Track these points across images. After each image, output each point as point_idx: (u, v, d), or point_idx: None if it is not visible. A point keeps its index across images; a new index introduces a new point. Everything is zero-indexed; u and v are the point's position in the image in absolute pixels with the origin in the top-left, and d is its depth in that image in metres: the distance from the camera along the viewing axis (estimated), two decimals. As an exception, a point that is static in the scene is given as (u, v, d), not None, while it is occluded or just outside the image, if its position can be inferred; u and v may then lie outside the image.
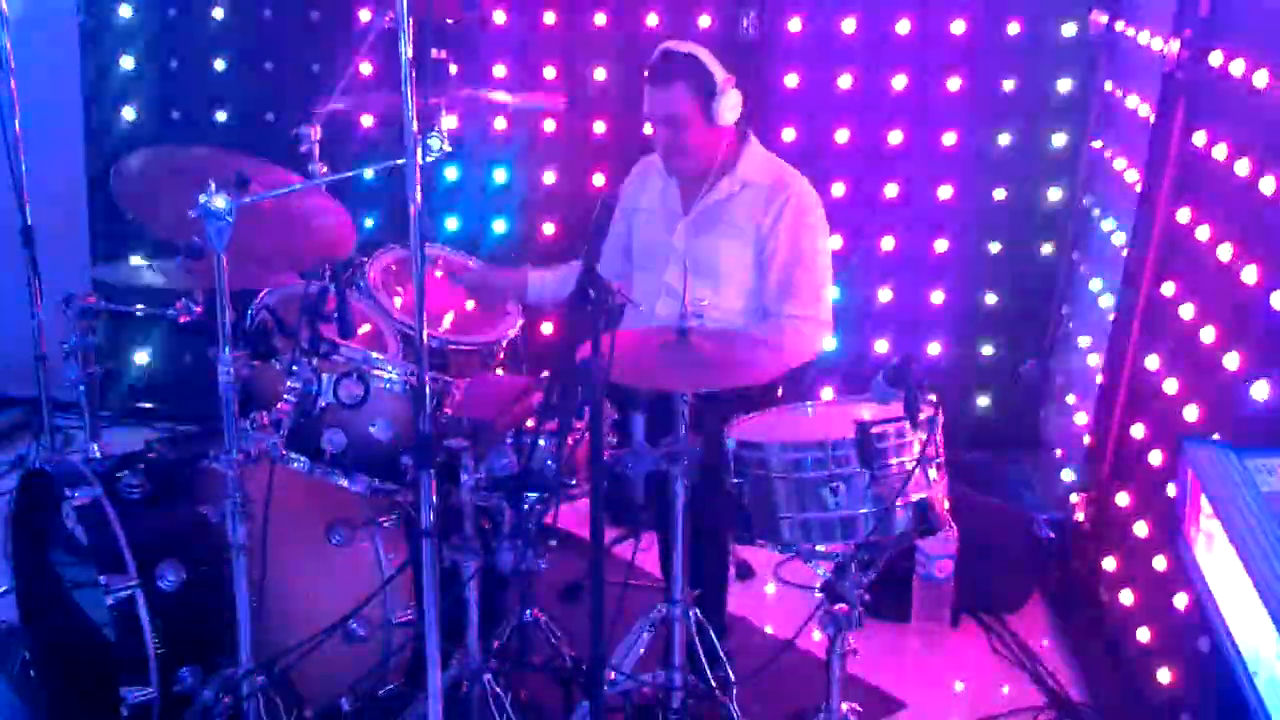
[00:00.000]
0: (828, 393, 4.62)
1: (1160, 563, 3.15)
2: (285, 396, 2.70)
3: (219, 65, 5.14)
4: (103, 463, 3.09)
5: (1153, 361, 3.40)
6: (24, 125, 3.77)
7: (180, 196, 2.56)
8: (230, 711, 2.71)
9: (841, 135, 4.68)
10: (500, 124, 4.91)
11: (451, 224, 5.01)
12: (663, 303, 3.41)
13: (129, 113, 5.21)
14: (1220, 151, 3.09)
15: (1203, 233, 3.14)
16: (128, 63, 5.21)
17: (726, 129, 3.41)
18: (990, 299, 4.76)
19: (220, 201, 2.46)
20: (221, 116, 5.14)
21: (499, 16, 4.82)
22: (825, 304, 3.42)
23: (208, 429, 3.05)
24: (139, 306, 3.33)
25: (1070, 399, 4.34)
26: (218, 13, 5.08)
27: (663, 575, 3.26)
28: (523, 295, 3.64)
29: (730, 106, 3.35)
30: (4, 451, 4.97)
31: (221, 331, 2.56)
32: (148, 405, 5.31)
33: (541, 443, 2.68)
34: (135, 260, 3.79)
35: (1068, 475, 4.22)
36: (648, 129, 3.47)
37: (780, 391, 3.45)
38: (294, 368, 2.70)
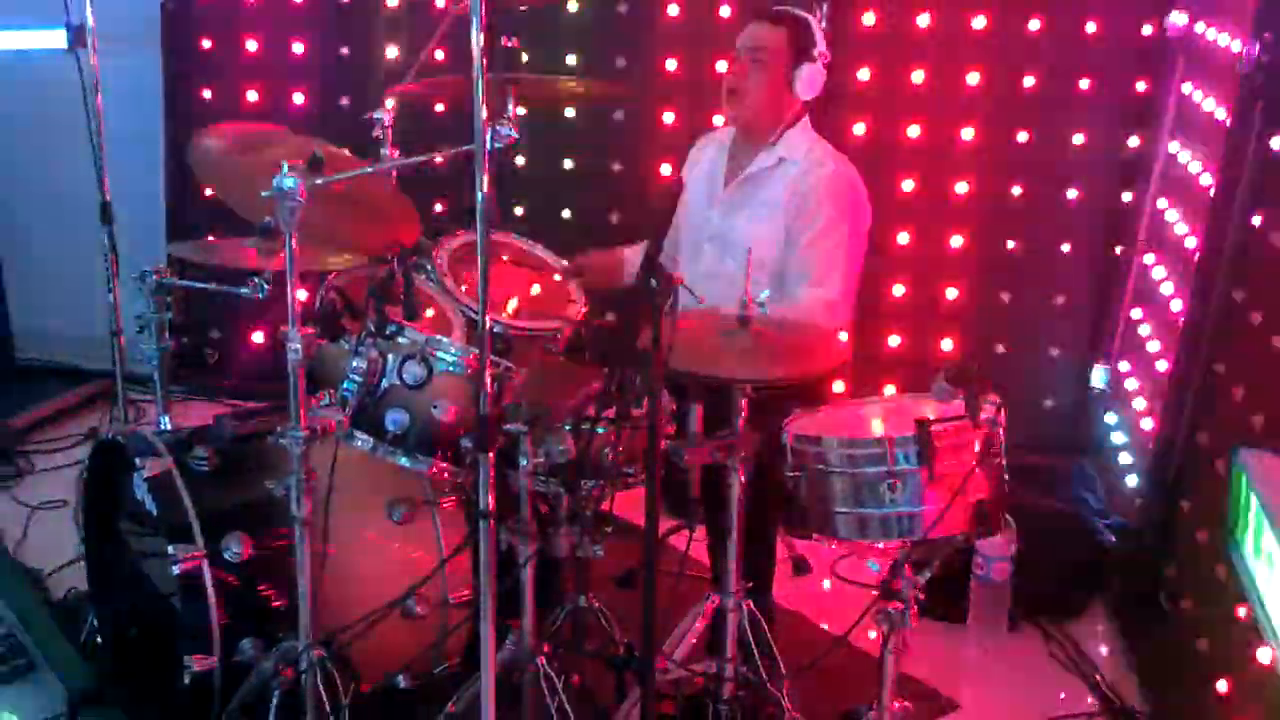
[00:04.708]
0: (890, 389, 4.61)
1: (1222, 571, 3.11)
2: (351, 376, 2.74)
3: (297, 49, 5.22)
4: (173, 436, 3.16)
5: (1221, 367, 3.35)
6: (105, 103, 3.84)
7: (256, 177, 2.61)
8: (288, 684, 2.76)
9: (913, 131, 4.66)
10: (570, 112, 4.94)
11: (519, 210, 5.05)
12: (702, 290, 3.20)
13: (208, 93, 5.31)
14: (1298, 157, 3.04)
15: (1277, 239, 3.09)
16: (207, 44, 5.31)
17: (794, 101, 3.42)
18: (1059, 300, 4.71)
19: (292, 182, 2.51)
20: (299, 99, 5.22)
21: (572, 4, 4.85)
22: (841, 284, 3.37)
23: (275, 406, 3.10)
24: (212, 284, 3.38)
25: (1138, 403, 4.29)
26: (296, -3, 5.17)
27: (711, 566, 3.27)
28: (622, 273, 3.60)
29: (811, 80, 3.39)
30: (78, 423, 5.09)
31: (291, 310, 2.61)
32: (218, 381, 5.41)
33: (600, 431, 2.70)
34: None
35: (1131, 480, 4.17)
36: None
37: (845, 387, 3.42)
38: (360, 348, 2.74)
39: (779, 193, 3.41)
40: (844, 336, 3.44)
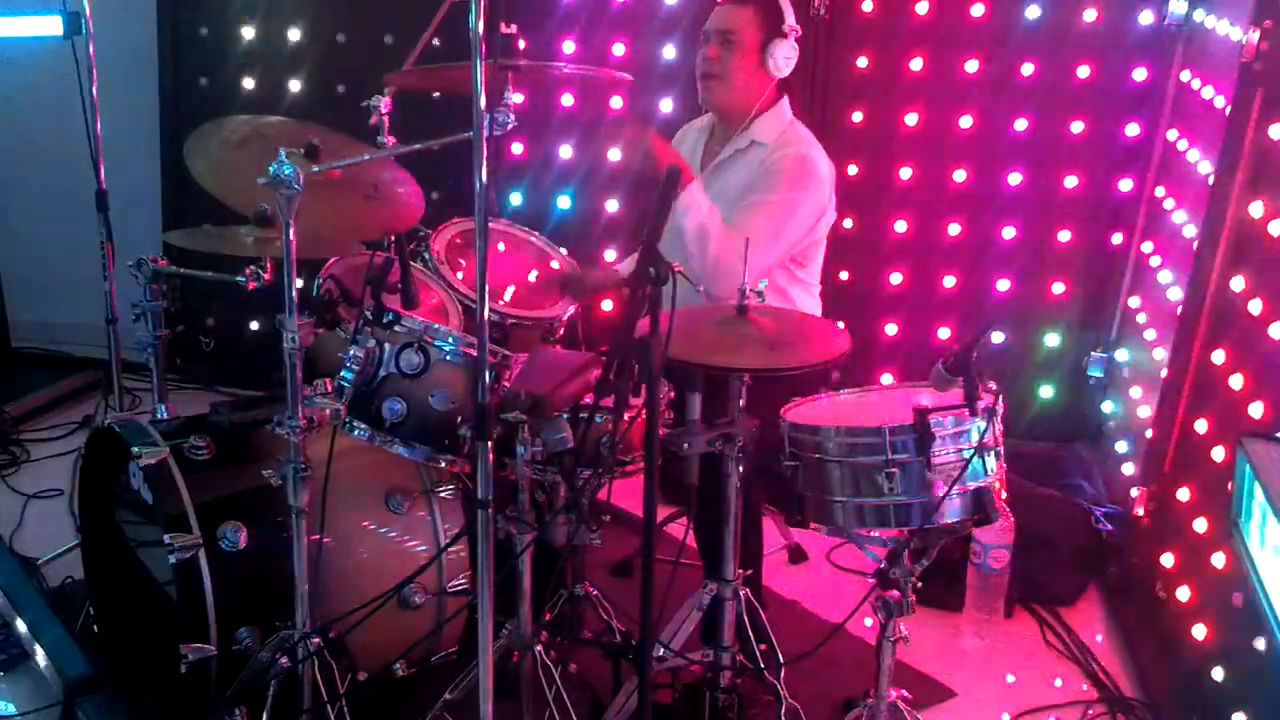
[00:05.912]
0: (887, 378, 4.61)
1: (1219, 559, 3.11)
2: (348, 365, 2.74)
3: (293, 36, 5.20)
4: (169, 424, 3.15)
5: (1219, 356, 3.35)
6: (101, 90, 3.82)
7: (252, 165, 2.60)
8: (286, 672, 2.76)
9: (911, 119, 4.65)
10: (567, 100, 4.93)
11: (516, 199, 5.04)
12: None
13: (204, 80, 5.30)
14: (1296, 145, 3.03)
15: (1275, 227, 3.08)
16: (204, 31, 5.29)
17: (769, 80, 3.40)
18: (1057, 288, 4.70)
19: (289, 170, 2.50)
20: (295, 87, 5.21)
21: (572, -9, 4.84)
22: (768, 247, 3.24)
23: (272, 394, 3.10)
24: (208, 272, 3.38)
25: (1135, 391, 4.29)
26: (293, -17, 5.16)
27: (701, 555, 3.27)
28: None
29: (784, 55, 3.35)
30: (74, 411, 5.09)
31: (288, 299, 2.60)
32: (214, 369, 5.40)
33: (598, 419, 2.70)
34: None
35: (1128, 469, 4.17)
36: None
37: (838, 376, 3.41)
38: (357, 337, 2.74)
39: (744, 176, 3.39)
40: (841, 325, 3.42)
